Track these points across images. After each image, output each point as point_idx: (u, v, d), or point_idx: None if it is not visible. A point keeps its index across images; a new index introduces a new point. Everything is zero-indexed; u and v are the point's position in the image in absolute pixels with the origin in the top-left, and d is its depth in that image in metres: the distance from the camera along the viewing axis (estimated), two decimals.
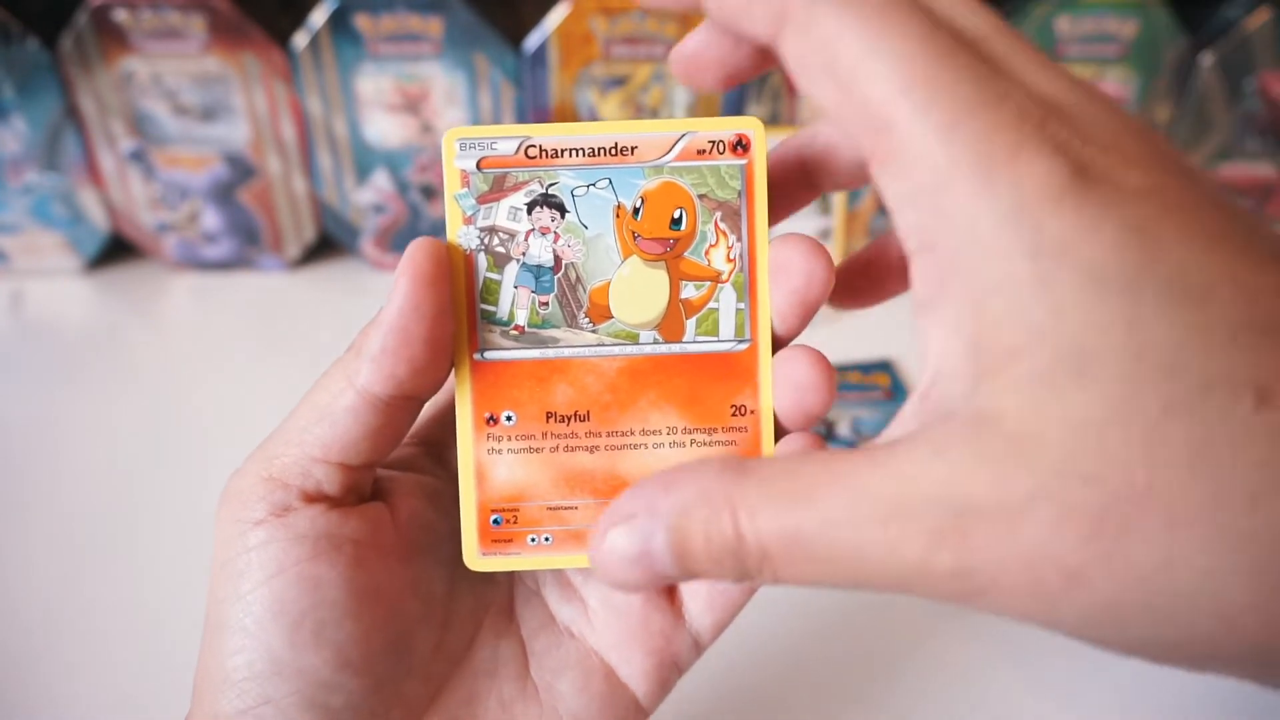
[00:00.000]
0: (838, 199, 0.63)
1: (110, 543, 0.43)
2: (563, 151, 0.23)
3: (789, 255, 0.23)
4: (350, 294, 0.64)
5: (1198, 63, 0.60)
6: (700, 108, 0.60)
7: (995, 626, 0.40)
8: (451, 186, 0.23)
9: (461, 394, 0.23)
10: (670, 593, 0.25)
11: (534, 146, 0.23)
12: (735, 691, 0.37)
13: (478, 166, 0.23)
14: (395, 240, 0.65)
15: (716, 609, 0.25)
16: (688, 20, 0.57)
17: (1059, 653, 0.39)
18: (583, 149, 0.23)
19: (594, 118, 0.61)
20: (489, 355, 0.23)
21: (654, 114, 0.61)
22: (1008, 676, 0.38)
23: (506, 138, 0.23)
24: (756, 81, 0.60)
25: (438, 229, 0.64)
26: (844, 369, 0.56)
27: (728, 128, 0.23)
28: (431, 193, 0.63)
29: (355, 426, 0.22)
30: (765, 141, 0.23)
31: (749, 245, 0.23)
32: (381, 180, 0.62)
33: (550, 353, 0.23)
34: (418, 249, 0.22)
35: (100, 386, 0.54)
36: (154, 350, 0.58)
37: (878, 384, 0.55)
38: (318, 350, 0.58)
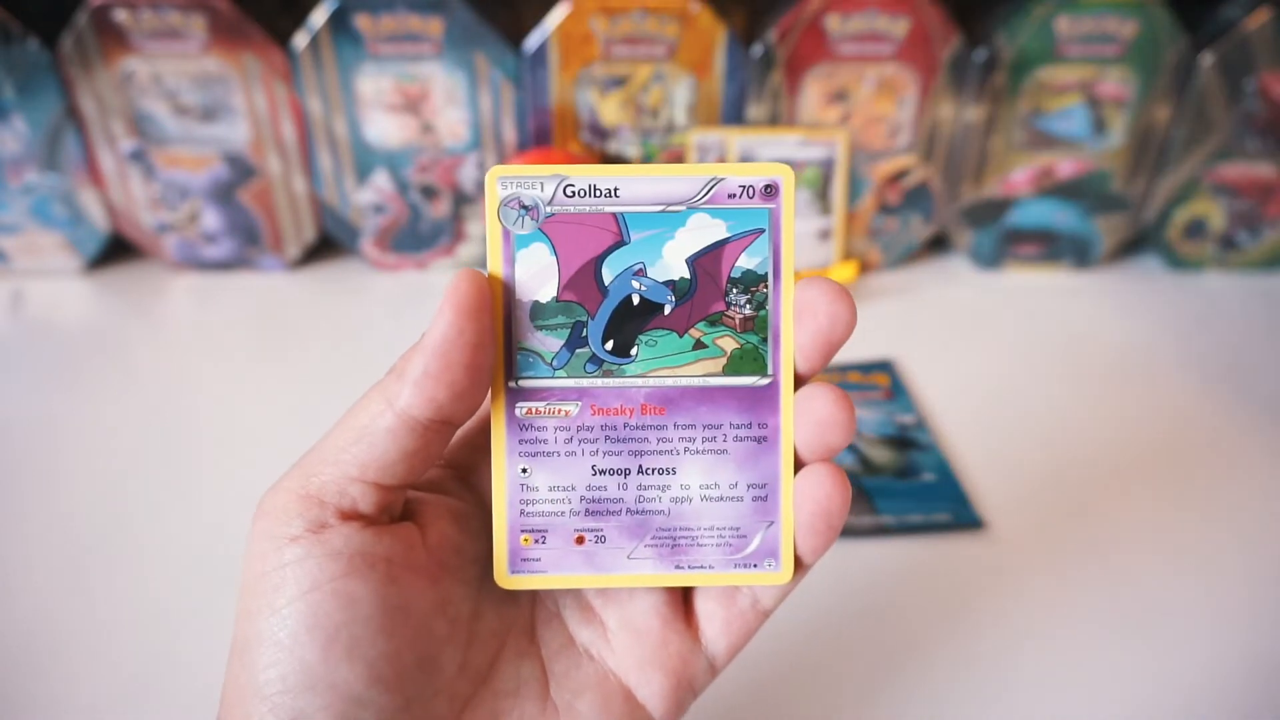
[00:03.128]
0: (838, 199, 0.63)
1: (109, 542, 0.43)
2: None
3: (814, 297, 0.23)
4: (350, 294, 0.64)
5: (1198, 63, 0.60)
6: (700, 107, 0.60)
7: (991, 630, 0.40)
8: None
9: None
10: (688, 616, 0.26)
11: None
12: (740, 703, 0.37)
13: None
14: (395, 240, 0.65)
15: (732, 633, 0.26)
16: (687, 20, 0.57)
17: (1057, 658, 0.39)
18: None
19: (594, 118, 0.61)
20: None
21: (654, 114, 0.61)
22: (1002, 681, 0.38)
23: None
24: (757, 82, 0.60)
25: (437, 229, 0.64)
26: (844, 369, 0.56)
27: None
28: (431, 193, 0.63)
29: (393, 448, 0.23)
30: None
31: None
32: (381, 180, 0.62)
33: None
34: (461, 279, 0.22)
35: (100, 386, 0.54)
36: (154, 350, 0.58)
37: (878, 384, 0.55)
38: (317, 350, 0.58)
